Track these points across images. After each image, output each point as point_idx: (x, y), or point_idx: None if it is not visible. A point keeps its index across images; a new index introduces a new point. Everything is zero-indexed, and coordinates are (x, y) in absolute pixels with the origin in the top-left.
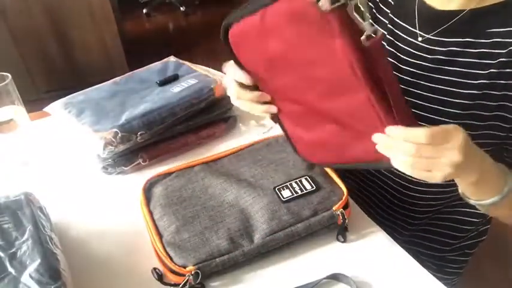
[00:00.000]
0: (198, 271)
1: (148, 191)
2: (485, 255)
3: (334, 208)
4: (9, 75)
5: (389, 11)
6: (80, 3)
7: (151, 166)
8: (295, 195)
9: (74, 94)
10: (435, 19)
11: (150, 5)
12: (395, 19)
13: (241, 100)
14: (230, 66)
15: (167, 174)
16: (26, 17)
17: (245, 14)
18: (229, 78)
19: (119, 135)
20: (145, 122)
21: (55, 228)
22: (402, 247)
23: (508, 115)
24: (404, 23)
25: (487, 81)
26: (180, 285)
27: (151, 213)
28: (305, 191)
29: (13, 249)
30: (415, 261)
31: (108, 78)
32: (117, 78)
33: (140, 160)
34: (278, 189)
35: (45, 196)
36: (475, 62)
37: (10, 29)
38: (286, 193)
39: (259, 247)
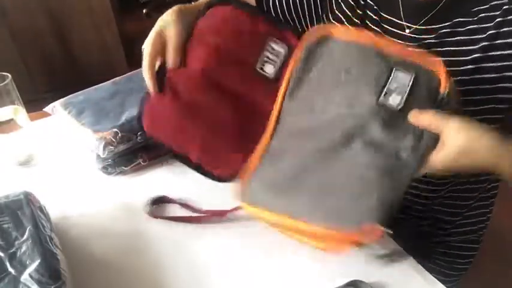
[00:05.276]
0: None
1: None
2: (485, 255)
3: (441, 90)
4: (9, 75)
5: (373, 3)
6: (80, 3)
7: (151, 166)
8: (404, 95)
9: (74, 94)
10: (420, 9)
11: (150, 5)
12: (380, 12)
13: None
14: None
15: (251, 176)
16: (26, 17)
17: None
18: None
19: (119, 135)
20: None
21: (55, 228)
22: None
23: (507, 85)
24: (389, 15)
25: (481, 55)
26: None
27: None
28: (408, 85)
29: (13, 249)
30: (422, 268)
31: (108, 78)
32: (117, 78)
33: (140, 160)
34: (382, 100)
35: (45, 196)
36: (465, 39)
37: (10, 29)
38: (394, 99)
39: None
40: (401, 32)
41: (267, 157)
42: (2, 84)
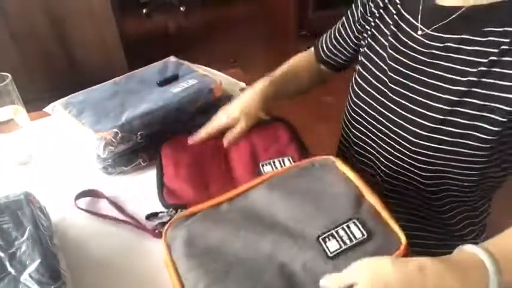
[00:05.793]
0: None
1: (170, 238)
2: None
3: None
4: (9, 75)
5: (398, 2)
6: (80, 3)
7: (151, 166)
8: (344, 247)
9: (74, 94)
10: (436, 15)
11: (150, 5)
12: (402, 10)
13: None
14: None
15: (189, 216)
16: (26, 17)
17: None
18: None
19: (119, 135)
20: (145, 122)
21: (55, 229)
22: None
23: (494, 116)
24: (409, 15)
25: (475, 79)
26: None
27: (174, 265)
28: (355, 241)
29: (13, 249)
30: None
31: (108, 78)
32: (117, 78)
33: (140, 160)
34: (323, 239)
35: (45, 196)
36: (467, 59)
37: (10, 29)
38: (332, 245)
39: None
40: (413, 33)
41: (211, 213)
42: (2, 84)
